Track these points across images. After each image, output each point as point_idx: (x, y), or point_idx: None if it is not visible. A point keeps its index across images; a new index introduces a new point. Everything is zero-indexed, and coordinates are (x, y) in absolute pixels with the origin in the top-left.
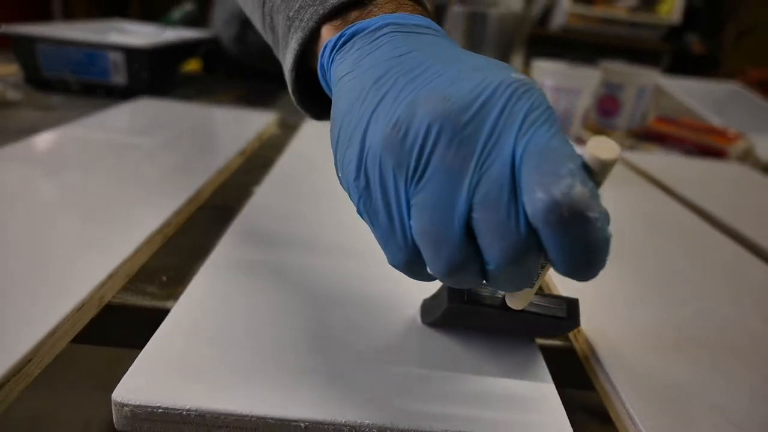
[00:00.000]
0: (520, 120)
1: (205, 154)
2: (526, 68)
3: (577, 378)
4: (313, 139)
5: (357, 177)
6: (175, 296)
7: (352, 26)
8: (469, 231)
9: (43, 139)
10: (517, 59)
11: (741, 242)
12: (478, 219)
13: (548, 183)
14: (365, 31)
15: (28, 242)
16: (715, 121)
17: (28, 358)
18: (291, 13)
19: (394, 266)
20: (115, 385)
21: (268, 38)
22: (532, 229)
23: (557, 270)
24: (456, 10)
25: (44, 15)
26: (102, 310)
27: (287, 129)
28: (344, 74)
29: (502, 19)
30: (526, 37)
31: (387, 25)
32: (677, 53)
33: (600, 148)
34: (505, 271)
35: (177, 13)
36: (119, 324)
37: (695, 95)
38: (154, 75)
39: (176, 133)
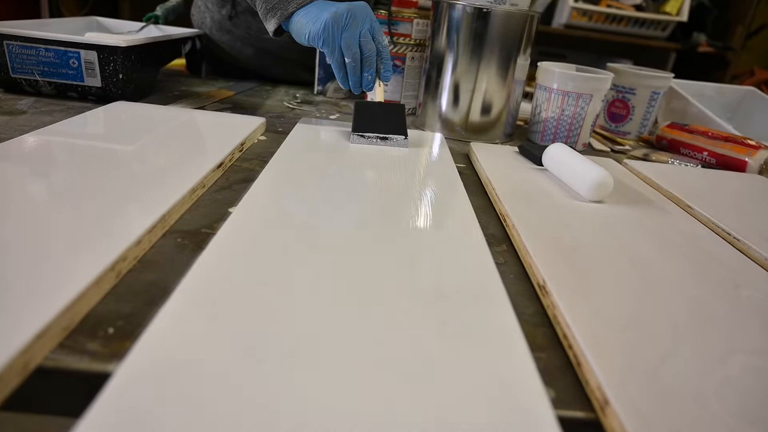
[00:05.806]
0: (373, 18)
1: (179, 166)
2: (532, 68)
3: None
4: (299, 151)
5: (324, 30)
6: (119, 354)
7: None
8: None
9: None
10: (525, 59)
11: None
12: (363, 41)
13: (385, 40)
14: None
15: None
16: (728, 127)
17: None
18: (268, 6)
19: (335, 67)
20: None
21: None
22: (377, 48)
23: (383, 70)
24: (458, 6)
25: (36, 16)
26: (29, 376)
27: (273, 135)
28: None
29: (507, 17)
30: (533, 36)
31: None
32: (684, 53)
33: None
34: (367, 61)
35: (160, 9)
36: (49, 392)
37: (706, 98)
38: (131, 76)
39: (150, 142)
